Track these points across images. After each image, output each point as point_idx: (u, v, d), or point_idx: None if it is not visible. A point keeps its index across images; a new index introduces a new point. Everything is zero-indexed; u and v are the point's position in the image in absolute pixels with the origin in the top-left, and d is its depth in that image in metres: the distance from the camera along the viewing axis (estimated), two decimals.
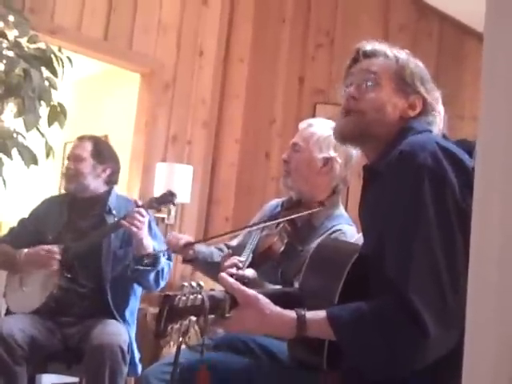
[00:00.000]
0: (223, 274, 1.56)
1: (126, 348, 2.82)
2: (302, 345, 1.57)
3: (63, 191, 3.37)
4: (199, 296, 1.42)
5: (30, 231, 3.20)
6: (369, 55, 1.79)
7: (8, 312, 3.12)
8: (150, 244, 3.00)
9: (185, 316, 1.40)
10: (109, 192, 3.26)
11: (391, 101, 1.71)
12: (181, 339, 1.42)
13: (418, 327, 1.36)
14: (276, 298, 1.54)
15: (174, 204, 3.07)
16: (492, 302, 0.89)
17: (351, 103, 1.74)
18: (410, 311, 1.37)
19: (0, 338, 2.73)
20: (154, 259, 2.97)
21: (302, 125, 2.59)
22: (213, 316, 1.46)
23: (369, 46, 1.80)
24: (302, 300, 1.56)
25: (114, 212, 3.18)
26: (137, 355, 3.05)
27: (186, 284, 1.42)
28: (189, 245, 2.53)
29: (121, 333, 2.90)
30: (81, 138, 3.30)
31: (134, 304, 3.22)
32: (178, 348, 1.72)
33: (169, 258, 3.10)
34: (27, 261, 3.04)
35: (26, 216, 3.31)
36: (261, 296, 1.51)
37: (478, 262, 0.93)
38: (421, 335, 1.36)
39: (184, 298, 1.39)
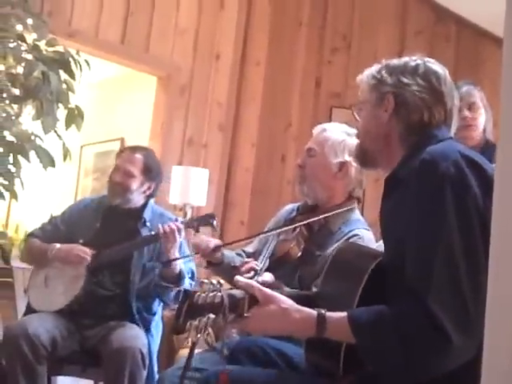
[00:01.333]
0: (238, 276, 1.56)
1: (145, 351, 2.82)
2: (319, 349, 1.56)
3: (80, 193, 3.37)
4: (219, 294, 1.43)
5: (61, 231, 3.21)
6: (359, 86, 1.84)
7: (29, 308, 3.12)
8: (178, 263, 3.00)
9: (203, 313, 1.41)
10: (146, 204, 3.27)
11: (372, 116, 1.74)
12: (199, 336, 1.42)
13: (440, 334, 1.35)
14: (294, 300, 1.53)
15: (213, 227, 3.04)
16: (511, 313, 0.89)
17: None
18: (430, 319, 1.36)
19: (26, 337, 2.74)
20: (179, 278, 2.97)
21: (316, 130, 2.58)
22: (232, 315, 1.46)
23: (358, 80, 1.83)
24: (319, 303, 1.55)
25: (148, 224, 3.19)
26: (155, 366, 3.06)
27: (205, 281, 1.43)
28: (218, 247, 2.53)
29: (140, 336, 2.91)
30: (133, 150, 3.28)
31: (159, 316, 3.22)
32: (193, 346, 1.72)
33: (192, 278, 3.09)
34: (58, 256, 3.06)
35: (59, 215, 3.31)
36: (280, 295, 1.52)
37: (498, 271, 0.92)
38: (443, 342, 1.35)
39: (203, 295, 1.40)
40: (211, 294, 1.41)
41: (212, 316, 1.41)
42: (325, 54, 5.17)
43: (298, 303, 1.53)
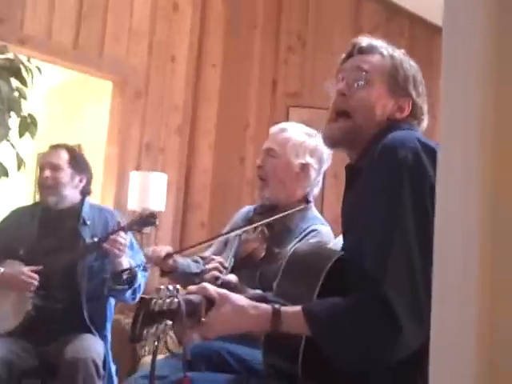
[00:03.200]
0: (190, 287, 1.54)
1: (100, 362, 2.78)
2: (277, 350, 1.57)
3: (37, 201, 3.29)
4: (175, 300, 1.41)
5: (0, 246, 3.11)
6: (364, 51, 1.74)
7: None
8: (126, 262, 2.97)
9: (161, 320, 1.39)
10: (82, 202, 3.21)
11: (381, 102, 1.68)
12: (156, 343, 1.40)
13: (391, 321, 1.37)
14: (257, 301, 1.53)
15: (155, 225, 3.02)
16: (455, 303, 0.90)
17: (340, 100, 1.70)
18: (384, 305, 1.38)
19: None
20: (132, 276, 2.94)
21: (275, 129, 2.57)
22: (190, 320, 1.44)
23: (365, 42, 1.75)
24: (279, 301, 1.55)
25: (88, 223, 3.13)
26: (113, 367, 3.01)
27: (162, 287, 1.41)
28: (169, 255, 2.51)
29: (95, 347, 2.87)
30: (55, 147, 3.24)
31: (111, 319, 3.18)
32: (154, 353, 1.70)
33: (144, 269, 3.05)
34: (2, 281, 2.95)
35: None
36: (234, 294, 1.52)
37: (442, 260, 0.93)
38: (393, 329, 1.37)
39: (160, 301, 1.38)
40: (168, 300, 1.40)
41: (169, 322, 1.40)
42: (280, 53, 5.17)
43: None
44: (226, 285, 2.18)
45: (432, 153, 1.47)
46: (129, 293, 3.00)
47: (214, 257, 2.42)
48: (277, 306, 1.48)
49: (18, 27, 4.08)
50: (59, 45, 4.29)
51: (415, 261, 1.40)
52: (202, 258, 2.65)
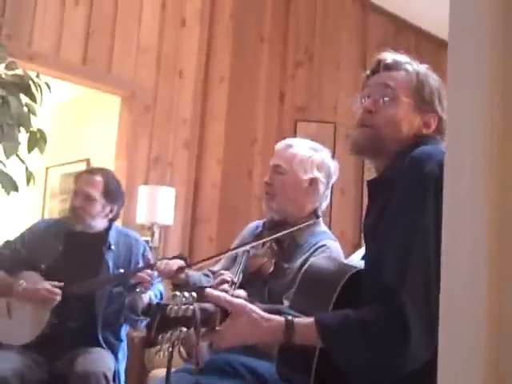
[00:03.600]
0: (209, 290, 1.55)
1: (110, 376, 2.79)
2: (291, 362, 1.57)
3: (47, 215, 3.31)
4: (191, 307, 1.42)
5: (22, 257, 3.10)
6: (389, 67, 1.75)
7: None
8: (147, 296, 2.94)
9: (176, 326, 1.40)
10: (109, 227, 3.21)
11: (407, 118, 1.69)
12: (170, 349, 1.41)
13: (404, 333, 1.38)
14: (268, 312, 1.54)
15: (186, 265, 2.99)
16: (463, 316, 0.91)
17: (367, 117, 1.71)
18: (399, 317, 1.39)
19: None
20: (149, 310, 2.93)
21: (281, 146, 2.57)
22: (204, 328, 1.45)
23: (390, 58, 1.76)
24: (292, 314, 1.56)
25: (113, 248, 3.13)
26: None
27: (178, 293, 1.42)
28: (181, 269, 2.52)
29: (105, 360, 2.88)
30: (91, 173, 3.21)
31: (124, 340, 3.19)
32: (170, 360, 1.71)
33: (161, 299, 3.04)
34: (24, 296, 2.94)
35: (17, 238, 3.20)
36: (248, 304, 1.53)
37: (450, 265, 0.94)
38: (404, 342, 1.38)
39: (176, 307, 1.40)
40: (183, 307, 1.41)
41: (184, 329, 1.41)
42: (288, 68, 5.19)
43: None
44: None
45: None
46: (144, 324, 3.01)
47: (223, 272, 2.43)
48: (290, 317, 1.49)
49: (27, 44, 4.12)
50: (68, 61, 4.32)
51: (432, 275, 1.41)
52: (212, 272, 2.65)
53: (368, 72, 1.81)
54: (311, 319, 1.48)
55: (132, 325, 3.08)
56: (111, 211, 3.19)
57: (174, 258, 2.95)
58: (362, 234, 1.76)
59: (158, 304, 1.41)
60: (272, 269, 2.40)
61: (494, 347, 0.87)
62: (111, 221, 3.23)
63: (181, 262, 2.58)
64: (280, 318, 1.50)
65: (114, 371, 2.87)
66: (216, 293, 1.53)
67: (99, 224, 3.17)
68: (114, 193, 3.19)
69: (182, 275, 2.52)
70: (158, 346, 1.41)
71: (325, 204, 2.57)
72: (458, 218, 0.93)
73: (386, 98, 1.70)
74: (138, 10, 4.71)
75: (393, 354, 1.41)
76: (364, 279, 1.56)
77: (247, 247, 2.48)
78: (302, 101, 5.13)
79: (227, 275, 2.35)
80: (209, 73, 5.06)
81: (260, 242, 2.46)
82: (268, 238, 2.44)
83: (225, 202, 4.89)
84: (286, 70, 5.19)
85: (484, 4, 0.92)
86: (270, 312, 1.56)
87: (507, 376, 0.86)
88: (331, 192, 2.62)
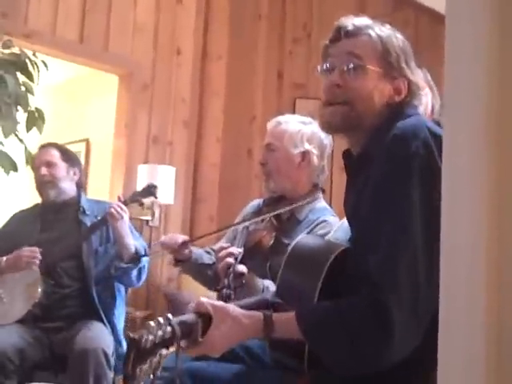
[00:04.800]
0: (191, 303, 1.52)
1: (110, 352, 2.80)
2: (283, 347, 1.55)
3: (35, 203, 3.35)
4: (168, 328, 1.37)
5: (3, 248, 3.12)
6: (351, 34, 1.63)
7: None
8: (132, 242, 3.04)
9: (154, 353, 1.36)
10: (79, 194, 3.30)
11: (378, 87, 1.59)
12: (152, 376, 1.38)
13: (386, 327, 1.34)
14: (251, 309, 1.53)
15: (156, 197, 3.08)
16: (463, 303, 0.90)
17: (336, 92, 1.61)
18: (382, 309, 1.35)
19: None
20: (136, 256, 2.99)
21: (271, 124, 2.58)
22: (186, 342, 1.42)
23: (350, 24, 1.63)
24: (276, 307, 1.54)
25: (88, 212, 3.21)
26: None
27: (151, 323, 1.38)
28: (185, 243, 2.52)
29: (104, 336, 2.89)
30: (45, 146, 3.32)
31: (121, 306, 3.21)
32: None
33: (145, 255, 3.11)
34: (8, 266, 3.00)
35: None
36: (229, 304, 1.51)
37: (450, 257, 0.93)
38: (387, 335, 1.35)
39: (151, 337, 1.34)
40: (160, 333, 1.36)
41: (164, 352, 1.37)
42: (286, 45, 5.17)
43: (259, 308, 1.53)
44: (236, 273, 2.19)
45: (441, 142, 1.45)
46: (134, 274, 3.07)
47: (225, 245, 2.43)
48: (268, 312, 1.47)
49: (23, 22, 4.08)
50: (64, 39, 4.29)
51: (420, 264, 1.36)
52: (213, 250, 2.66)
53: (327, 41, 1.69)
54: (291, 314, 1.45)
55: (123, 277, 3.10)
56: (75, 174, 3.28)
57: (145, 188, 3.10)
58: (344, 211, 1.71)
59: (131, 338, 1.34)
60: (272, 242, 2.40)
61: (493, 347, 0.87)
62: (78, 187, 3.32)
63: (184, 237, 2.58)
64: (259, 314, 1.48)
65: (115, 346, 2.90)
66: (198, 301, 1.49)
67: (68, 188, 3.25)
68: (71, 156, 3.31)
69: (186, 250, 2.53)
70: (137, 380, 1.37)
71: (322, 177, 2.57)
72: (457, 211, 0.92)
73: (351, 67, 1.59)
74: None
75: (375, 349, 1.37)
76: (350, 258, 1.53)
77: (247, 223, 2.49)
78: (301, 78, 5.11)
79: (232, 248, 2.35)
80: (207, 50, 5.04)
81: (259, 218, 2.46)
82: (267, 215, 2.44)
83: (225, 181, 4.89)
84: (284, 47, 5.17)
85: None
86: (258, 305, 1.55)
87: (508, 377, 0.86)
88: (331, 169, 2.61)
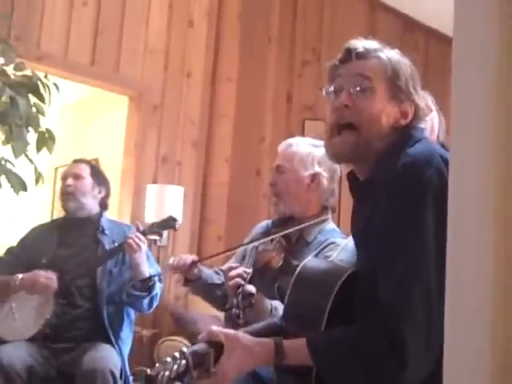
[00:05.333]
0: (201, 334, 1.52)
1: (117, 373, 2.81)
2: (291, 371, 1.54)
3: (56, 214, 3.38)
4: (183, 362, 1.39)
5: (21, 260, 3.17)
6: (361, 56, 1.63)
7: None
8: (147, 270, 3.04)
9: None
10: (101, 214, 3.31)
11: (385, 110, 1.59)
12: None
13: (399, 355, 1.33)
14: (259, 335, 1.53)
15: (175, 229, 3.08)
16: (469, 328, 0.90)
17: (344, 112, 1.59)
18: (395, 337, 1.34)
19: (0, 368, 2.70)
20: (150, 285, 2.98)
21: (282, 146, 2.60)
22: (197, 372, 1.43)
23: (361, 47, 1.63)
24: (284, 332, 1.53)
25: (107, 232, 3.21)
26: (130, 378, 3.04)
27: (168, 359, 1.39)
28: (194, 263, 2.53)
29: (112, 357, 2.90)
30: (77, 161, 3.38)
31: (128, 328, 3.21)
32: None
33: (160, 280, 3.11)
34: (23, 286, 3.00)
35: (15, 245, 3.30)
36: (239, 332, 1.51)
37: (455, 281, 0.93)
38: (399, 364, 1.33)
39: (167, 373, 1.36)
40: (175, 367, 1.38)
41: None
42: (295, 67, 5.20)
43: (268, 333, 1.53)
44: (246, 293, 2.19)
45: None
46: (146, 301, 3.06)
47: (234, 265, 2.43)
48: (278, 339, 1.47)
49: (35, 45, 4.14)
50: (76, 61, 4.34)
51: (433, 292, 1.35)
52: (221, 270, 2.66)
53: (336, 62, 1.68)
54: (303, 340, 1.44)
55: (135, 304, 3.10)
56: (99, 192, 3.31)
57: (165, 220, 3.08)
58: (352, 238, 1.70)
59: (148, 376, 1.36)
60: (281, 263, 2.40)
61: (500, 352, 0.87)
62: (101, 207, 3.33)
63: (194, 257, 2.59)
64: (269, 341, 1.47)
65: (121, 366, 2.89)
66: (210, 330, 1.50)
67: (90, 204, 3.26)
68: (100, 175, 3.36)
69: (196, 270, 2.54)
70: None
71: (332, 199, 2.57)
72: (463, 227, 0.92)
73: (360, 88, 1.59)
74: (146, 11, 4.73)
75: (390, 378, 1.36)
76: (358, 286, 1.52)
77: (256, 243, 2.49)
78: (310, 100, 5.13)
79: (241, 269, 2.35)
80: (216, 72, 5.07)
81: (268, 238, 2.47)
82: (276, 235, 2.44)
83: (233, 201, 4.90)
84: (293, 70, 5.20)
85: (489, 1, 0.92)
86: (267, 330, 1.55)
87: None
88: (340, 191, 2.62)
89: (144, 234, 3.05)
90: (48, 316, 2.98)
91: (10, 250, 3.28)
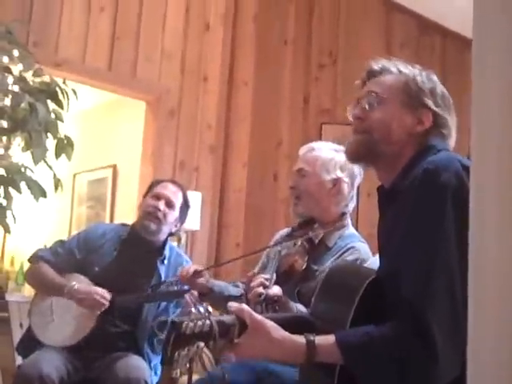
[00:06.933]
0: (231, 302, 1.54)
1: (150, 382, 2.80)
2: (313, 370, 1.56)
3: (75, 220, 3.35)
4: (207, 322, 1.41)
5: (77, 259, 3.13)
6: (375, 74, 1.78)
7: (28, 335, 3.06)
8: None
9: (192, 342, 1.39)
10: (166, 241, 3.24)
11: (397, 117, 1.69)
12: (188, 365, 1.40)
13: (430, 351, 1.35)
14: (287, 324, 1.52)
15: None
16: (492, 324, 0.89)
17: (357, 124, 1.74)
18: (425, 334, 1.36)
19: (39, 378, 2.67)
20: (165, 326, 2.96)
21: (303, 150, 2.61)
22: (222, 341, 1.44)
23: (375, 65, 1.79)
24: (313, 325, 1.54)
25: (165, 262, 3.16)
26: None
27: (193, 310, 1.41)
28: (197, 272, 2.51)
29: (145, 367, 2.89)
30: (175, 185, 3.30)
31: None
32: (190, 375, 1.71)
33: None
34: (74, 296, 2.96)
35: (71, 239, 3.25)
36: (269, 321, 1.50)
37: (477, 280, 0.92)
38: (431, 359, 1.36)
39: (191, 324, 1.38)
40: (200, 323, 1.40)
41: (201, 344, 1.40)
42: (312, 70, 5.18)
43: (293, 326, 1.52)
44: (270, 299, 2.19)
45: None
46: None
47: (250, 273, 2.42)
48: (311, 337, 1.47)
49: (53, 50, 4.16)
50: (93, 67, 4.36)
51: (457, 289, 1.39)
52: (243, 283, 2.65)
53: (359, 83, 1.83)
54: (333, 338, 1.45)
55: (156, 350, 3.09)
56: (176, 226, 3.25)
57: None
58: (378, 246, 1.75)
59: (172, 321, 1.39)
60: (304, 266, 2.40)
61: None
62: (169, 235, 3.28)
63: (197, 266, 2.57)
64: (301, 339, 1.47)
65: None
66: (237, 305, 1.52)
67: (163, 234, 3.19)
68: (186, 211, 3.27)
69: (201, 280, 2.51)
70: (176, 364, 1.40)
71: (351, 205, 2.58)
72: (486, 232, 0.91)
73: (371, 104, 1.72)
74: (163, 15, 4.74)
75: (420, 374, 1.38)
76: (384, 288, 1.54)
77: (278, 247, 2.49)
78: (327, 103, 5.12)
79: (262, 276, 2.34)
80: (233, 76, 5.07)
81: (291, 241, 2.47)
82: (299, 238, 2.44)
83: (251, 207, 4.89)
84: (310, 73, 5.18)
85: (508, 2, 0.91)
86: (290, 323, 1.55)
87: None
88: (358, 195, 2.62)
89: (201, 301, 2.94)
90: (87, 331, 2.95)
91: (65, 244, 3.21)
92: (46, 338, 3.00)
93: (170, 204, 3.17)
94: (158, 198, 3.19)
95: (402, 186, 1.60)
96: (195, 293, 2.70)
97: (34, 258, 3.17)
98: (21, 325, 3.14)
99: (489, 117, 0.92)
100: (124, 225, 3.35)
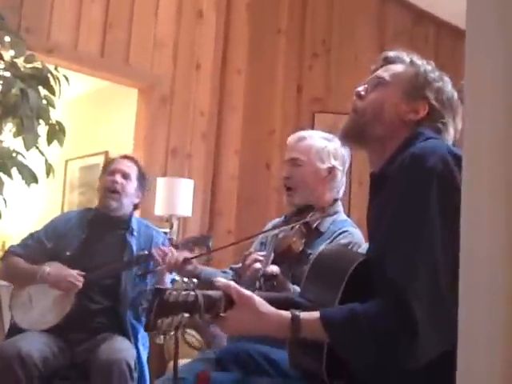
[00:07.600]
0: (218, 278, 1.56)
1: (133, 364, 2.81)
2: (301, 353, 1.58)
3: (67, 206, 3.37)
4: (192, 293, 1.42)
5: (46, 246, 3.18)
6: (389, 61, 1.82)
7: (14, 327, 3.07)
8: (169, 281, 3.00)
9: (177, 311, 1.40)
10: (131, 214, 3.30)
11: (391, 100, 1.72)
12: (172, 333, 1.41)
13: (410, 328, 1.37)
14: (277, 304, 1.54)
15: (208, 248, 3.01)
16: (483, 304, 0.90)
17: (355, 102, 1.78)
18: (405, 311, 1.38)
19: (19, 357, 2.70)
20: None
21: (293, 139, 2.60)
22: (207, 315, 1.46)
23: (392, 53, 1.84)
24: (302, 307, 1.55)
25: (135, 234, 3.21)
26: (147, 375, 3.06)
27: (177, 279, 1.42)
28: (187, 260, 2.53)
29: (128, 348, 2.91)
30: (127, 157, 3.36)
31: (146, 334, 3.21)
32: (176, 345, 1.72)
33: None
34: (48, 280, 3.01)
35: (41, 230, 3.28)
36: (256, 296, 1.53)
37: (468, 264, 0.93)
38: (411, 336, 1.37)
39: (175, 293, 1.39)
40: (184, 293, 1.40)
41: (186, 315, 1.40)
42: (305, 59, 5.18)
43: (281, 307, 1.54)
44: (268, 276, 2.20)
45: (460, 162, 1.47)
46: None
47: (246, 252, 2.43)
48: (297, 312, 1.49)
49: (45, 37, 4.14)
50: (86, 53, 4.34)
51: (440, 269, 1.41)
52: (232, 269, 2.66)
53: (373, 67, 1.87)
54: (318, 314, 1.47)
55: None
56: (138, 197, 3.30)
57: (199, 238, 3.02)
58: (367, 231, 1.76)
59: (156, 288, 1.39)
60: (301, 248, 2.41)
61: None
62: (134, 208, 3.33)
63: (187, 254, 2.60)
64: (287, 313, 1.50)
65: (136, 361, 2.90)
66: (224, 280, 1.53)
67: (126, 207, 3.25)
68: (144, 180, 3.34)
69: (189, 267, 2.53)
70: (159, 331, 1.41)
71: (341, 190, 2.61)
72: (477, 223, 0.92)
73: (373, 85, 1.77)
74: (155, 2, 4.72)
75: (400, 349, 1.39)
76: (372, 271, 1.56)
77: (276, 231, 2.50)
78: (320, 92, 5.12)
79: (255, 254, 2.36)
80: (226, 64, 5.06)
81: (288, 226, 2.47)
82: (297, 223, 2.45)
83: (243, 194, 4.89)
84: (303, 62, 5.18)
85: None
86: (279, 301, 1.57)
87: None
88: (349, 183, 2.64)
89: (177, 247, 2.96)
90: (67, 310, 2.99)
91: (34, 236, 3.25)
92: (29, 324, 3.02)
93: (125, 175, 3.23)
94: (113, 173, 3.25)
95: (390, 170, 1.62)
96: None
97: (6, 255, 3.24)
98: (10, 308, 3.15)
99: (482, 106, 0.93)
100: (89, 209, 3.41)
